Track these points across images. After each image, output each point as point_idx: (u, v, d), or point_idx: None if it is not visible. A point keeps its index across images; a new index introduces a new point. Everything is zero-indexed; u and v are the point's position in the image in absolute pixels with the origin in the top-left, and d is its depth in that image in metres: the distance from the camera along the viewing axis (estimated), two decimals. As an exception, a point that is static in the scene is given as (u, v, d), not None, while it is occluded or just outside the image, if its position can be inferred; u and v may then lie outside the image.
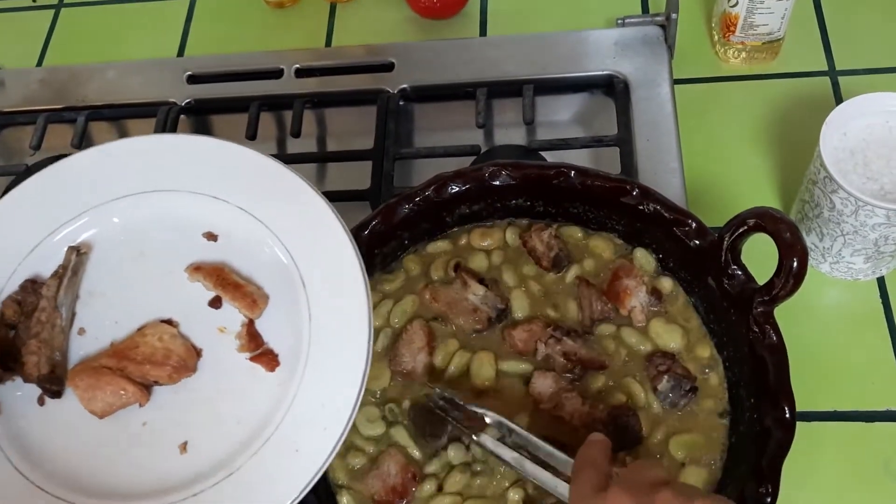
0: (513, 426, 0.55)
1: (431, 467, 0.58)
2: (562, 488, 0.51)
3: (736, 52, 0.82)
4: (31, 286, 0.54)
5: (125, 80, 0.89)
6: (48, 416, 0.52)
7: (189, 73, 0.88)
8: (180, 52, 0.94)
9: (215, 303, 0.54)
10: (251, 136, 0.82)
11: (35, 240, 0.55)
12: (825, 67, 0.81)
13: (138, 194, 0.55)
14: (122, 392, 0.51)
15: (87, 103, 0.88)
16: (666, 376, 0.58)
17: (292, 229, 0.54)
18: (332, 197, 0.75)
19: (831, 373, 0.67)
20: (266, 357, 0.53)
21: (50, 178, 0.55)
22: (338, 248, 0.53)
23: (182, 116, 0.86)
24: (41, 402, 0.52)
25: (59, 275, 0.53)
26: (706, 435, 0.57)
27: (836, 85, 0.80)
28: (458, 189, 0.65)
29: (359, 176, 0.79)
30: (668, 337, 0.61)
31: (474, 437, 0.56)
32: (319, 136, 0.87)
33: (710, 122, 0.80)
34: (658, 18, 0.83)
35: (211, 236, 0.55)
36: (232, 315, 0.54)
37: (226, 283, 0.53)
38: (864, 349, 0.68)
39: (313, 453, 0.49)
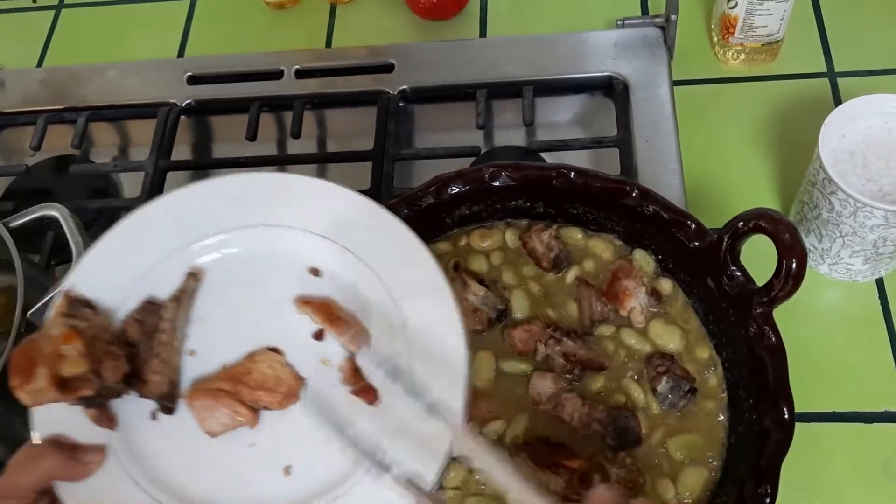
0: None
1: None
2: None
3: (735, 54, 0.82)
4: (151, 307, 0.56)
5: (125, 81, 0.89)
6: (159, 431, 0.54)
7: (189, 73, 0.88)
8: (180, 53, 0.94)
9: (319, 335, 0.56)
10: (251, 137, 0.82)
11: (151, 262, 0.57)
12: (824, 69, 0.82)
13: (250, 227, 0.58)
14: (236, 414, 0.53)
15: (88, 104, 0.88)
16: (665, 377, 0.58)
17: (393, 271, 0.56)
18: (333, 198, 0.76)
19: (830, 373, 0.67)
20: (366, 392, 0.54)
21: (169, 204, 0.58)
22: (438, 295, 0.54)
23: (182, 117, 0.86)
24: (153, 416, 0.55)
25: (178, 298, 0.56)
26: (706, 435, 0.58)
27: (835, 86, 0.80)
28: (458, 190, 0.65)
29: (359, 176, 0.79)
30: (668, 338, 0.62)
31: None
32: (319, 137, 0.87)
33: (709, 124, 0.81)
34: (657, 20, 0.83)
35: (315, 272, 0.57)
36: (334, 348, 0.55)
37: (333, 317, 0.55)
38: (863, 350, 0.68)
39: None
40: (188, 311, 0.56)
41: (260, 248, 0.57)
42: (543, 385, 0.60)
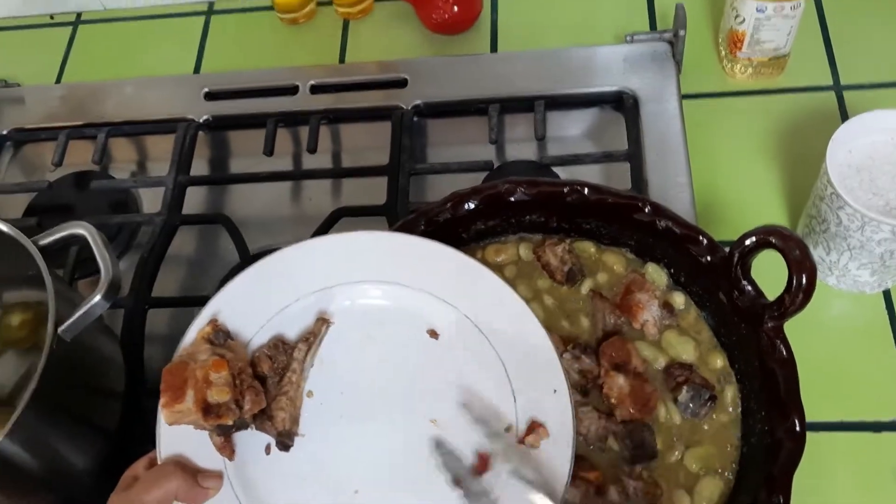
0: None
1: None
2: None
3: (743, 68, 0.84)
4: (281, 345, 0.58)
5: (144, 97, 0.91)
6: (272, 466, 0.57)
7: (206, 89, 0.90)
8: (196, 69, 0.96)
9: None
10: (269, 153, 0.84)
11: (285, 302, 0.60)
12: (830, 82, 0.83)
13: (378, 282, 0.60)
14: None
15: (107, 120, 0.90)
16: (685, 387, 0.60)
17: (505, 340, 0.58)
18: (350, 212, 0.78)
19: (838, 383, 0.69)
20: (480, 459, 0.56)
21: (307, 250, 0.60)
22: (550, 374, 0.56)
23: (200, 133, 0.88)
24: (268, 451, 0.57)
25: (308, 341, 0.59)
26: (719, 446, 0.59)
27: (840, 99, 0.82)
28: (474, 206, 0.67)
29: (373, 189, 0.80)
30: (681, 348, 0.63)
31: None
32: (334, 152, 0.88)
33: (717, 136, 0.82)
34: (666, 35, 0.84)
35: (433, 334, 0.59)
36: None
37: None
38: (871, 360, 0.69)
39: None
40: (315, 354, 0.59)
41: (385, 303, 0.60)
42: None
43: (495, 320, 0.58)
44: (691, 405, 0.60)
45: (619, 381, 0.60)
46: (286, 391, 0.56)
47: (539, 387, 0.56)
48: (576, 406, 0.60)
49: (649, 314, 0.64)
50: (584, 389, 0.62)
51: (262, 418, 0.56)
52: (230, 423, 0.53)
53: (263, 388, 0.56)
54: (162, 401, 0.53)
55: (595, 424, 0.59)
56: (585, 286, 0.66)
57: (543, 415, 0.55)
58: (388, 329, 0.60)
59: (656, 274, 0.66)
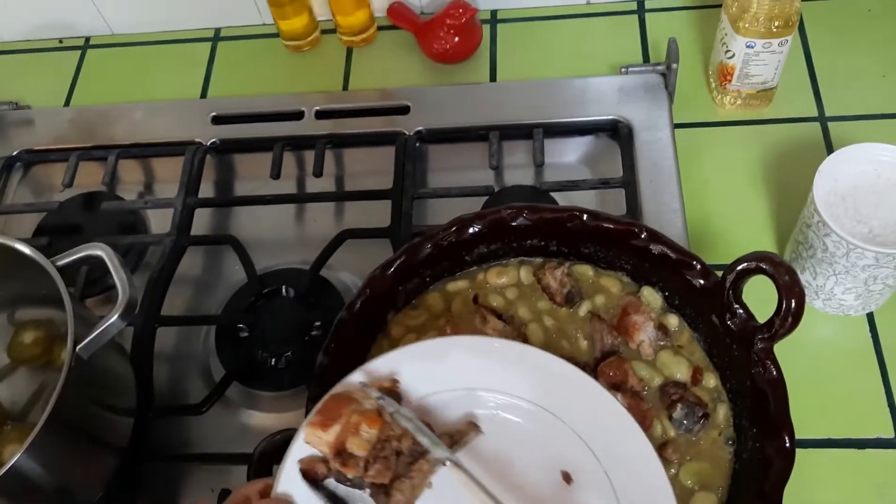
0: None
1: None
2: None
3: (732, 99, 0.87)
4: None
5: (152, 121, 0.93)
6: None
7: (214, 113, 0.92)
8: (203, 93, 0.98)
9: None
10: (276, 176, 0.87)
11: (441, 388, 0.57)
12: (816, 114, 0.87)
13: (536, 406, 0.57)
14: None
15: (116, 142, 0.92)
16: (679, 404, 0.62)
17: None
18: (355, 234, 0.81)
19: (825, 402, 0.72)
20: None
21: (476, 346, 0.58)
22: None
23: (208, 156, 0.90)
24: None
25: (454, 439, 0.56)
26: (713, 463, 0.61)
27: (826, 130, 0.85)
28: (477, 230, 0.69)
29: (377, 213, 0.83)
30: (675, 367, 0.65)
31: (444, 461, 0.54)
32: (338, 175, 0.91)
33: (708, 165, 0.85)
34: (659, 67, 0.88)
35: (568, 478, 0.56)
36: None
37: None
38: (855, 380, 0.72)
39: None
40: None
41: (532, 429, 0.56)
42: None
43: (630, 482, 0.54)
44: (685, 422, 0.63)
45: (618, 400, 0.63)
46: (413, 476, 0.53)
47: None
48: None
49: (645, 335, 0.67)
50: None
51: (379, 491, 0.53)
52: (349, 476, 0.52)
53: (396, 461, 0.53)
54: (313, 419, 0.52)
55: None
56: (584, 308, 0.69)
57: None
58: (523, 453, 0.56)
59: (651, 297, 0.69)
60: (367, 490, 0.53)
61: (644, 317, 0.67)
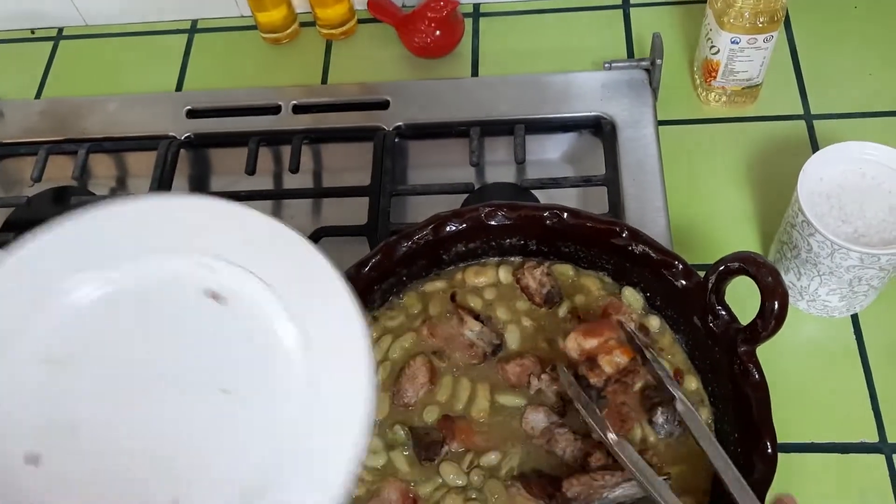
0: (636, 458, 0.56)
1: (426, 489, 0.61)
2: None
3: (717, 96, 0.86)
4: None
5: (125, 114, 0.91)
6: None
7: (189, 107, 0.90)
8: (178, 86, 0.96)
9: None
10: (251, 172, 0.85)
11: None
12: (801, 111, 0.85)
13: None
14: None
15: (88, 136, 0.90)
16: (660, 408, 0.61)
17: (295, 292, 0.55)
18: (331, 232, 0.79)
19: (808, 405, 0.70)
20: None
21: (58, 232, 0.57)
22: (345, 319, 0.54)
23: (182, 150, 0.88)
24: None
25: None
26: (694, 467, 0.60)
27: (811, 128, 0.84)
28: (455, 228, 0.68)
29: (354, 210, 0.81)
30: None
31: (610, 438, 0.57)
32: (315, 171, 0.89)
33: (692, 163, 0.84)
34: (643, 63, 0.86)
35: (215, 296, 0.56)
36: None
37: None
38: (839, 383, 0.71)
39: None
40: None
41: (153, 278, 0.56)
42: (537, 419, 0.62)
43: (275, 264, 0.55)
44: (666, 426, 0.61)
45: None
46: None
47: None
48: (552, 427, 0.61)
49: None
50: (561, 411, 0.63)
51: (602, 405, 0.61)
52: (591, 381, 0.61)
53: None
54: (581, 328, 0.63)
55: (571, 446, 0.60)
56: (563, 309, 0.68)
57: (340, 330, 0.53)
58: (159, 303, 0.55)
59: (633, 297, 0.67)
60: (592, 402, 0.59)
61: (625, 318, 0.66)
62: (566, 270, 0.69)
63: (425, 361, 0.65)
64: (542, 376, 0.63)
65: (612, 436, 0.57)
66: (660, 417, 0.61)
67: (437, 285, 0.70)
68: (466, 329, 0.66)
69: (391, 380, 0.65)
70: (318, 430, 0.53)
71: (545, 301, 0.68)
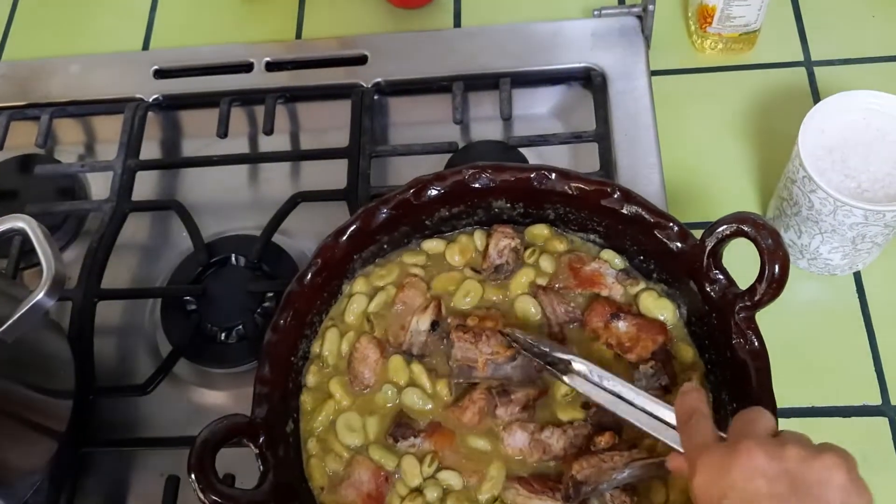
0: (603, 372, 0.55)
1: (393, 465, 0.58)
2: (669, 433, 0.50)
3: (713, 43, 0.82)
4: None
5: (90, 76, 0.86)
6: None
7: (156, 67, 0.86)
8: (145, 44, 0.91)
9: None
10: (223, 134, 0.81)
11: None
12: (801, 58, 0.81)
13: None
14: None
15: (51, 100, 0.85)
16: (652, 361, 0.58)
17: None
18: (309, 197, 0.76)
19: (808, 368, 0.68)
20: None
21: None
22: None
23: (150, 113, 0.83)
24: None
25: None
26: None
27: (812, 76, 0.80)
28: (437, 192, 0.64)
29: (334, 172, 0.77)
30: (658, 311, 0.61)
31: (565, 379, 0.56)
32: (292, 132, 0.85)
33: (687, 114, 0.80)
34: (635, 9, 0.82)
35: None
36: None
37: None
38: (841, 344, 0.69)
39: None
40: None
41: None
42: (517, 440, 0.58)
43: None
44: (646, 380, 0.58)
45: (623, 326, 0.60)
46: None
47: None
48: (533, 435, 0.58)
49: (611, 277, 0.63)
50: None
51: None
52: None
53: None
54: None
55: (562, 439, 0.57)
56: (523, 281, 0.64)
57: None
58: None
59: (608, 255, 0.64)
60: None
61: (598, 262, 0.64)
62: (541, 230, 0.66)
63: (370, 339, 0.62)
64: (497, 410, 0.59)
65: (578, 364, 0.55)
66: (646, 369, 0.59)
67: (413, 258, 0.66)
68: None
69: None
70: None
71: (495, 269, 0.64)
